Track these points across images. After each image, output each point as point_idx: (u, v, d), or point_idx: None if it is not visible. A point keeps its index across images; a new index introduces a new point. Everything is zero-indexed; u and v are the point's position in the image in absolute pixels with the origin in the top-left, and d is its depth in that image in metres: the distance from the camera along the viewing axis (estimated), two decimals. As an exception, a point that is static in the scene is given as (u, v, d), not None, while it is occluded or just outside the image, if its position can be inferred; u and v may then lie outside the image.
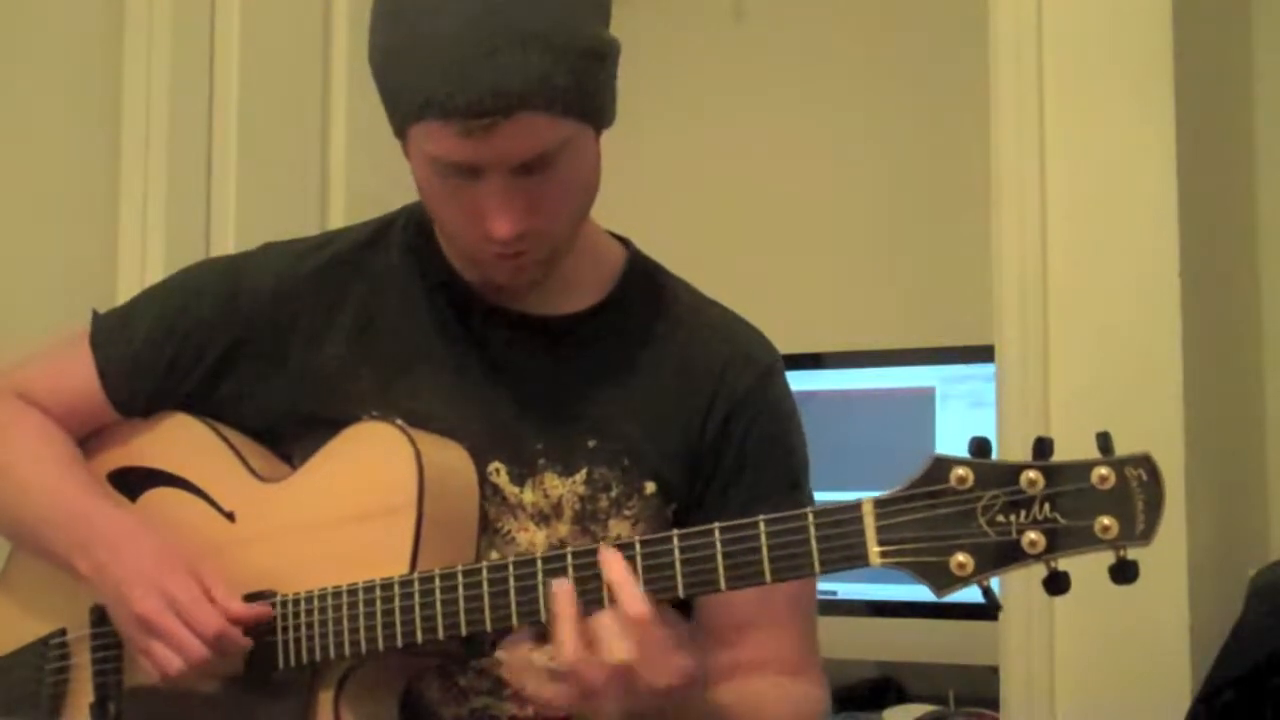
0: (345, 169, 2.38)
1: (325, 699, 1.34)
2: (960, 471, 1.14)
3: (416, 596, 1.30)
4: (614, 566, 1.22)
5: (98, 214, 2.18)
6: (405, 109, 1.29)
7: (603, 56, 1.31)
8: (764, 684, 1.42)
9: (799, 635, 1.46)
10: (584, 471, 1.41)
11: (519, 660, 1.25)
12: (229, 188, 2.24)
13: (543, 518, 1.40)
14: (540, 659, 1.23)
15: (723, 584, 1.21)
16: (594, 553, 1.24)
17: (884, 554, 1.16)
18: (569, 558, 1.25)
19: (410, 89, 1.27)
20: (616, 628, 1.20)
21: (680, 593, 1.23)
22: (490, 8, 1.24)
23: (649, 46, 2.58)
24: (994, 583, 1.17)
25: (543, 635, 1.25)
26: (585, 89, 1.29)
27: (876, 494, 1.17)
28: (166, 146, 2.20)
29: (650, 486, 1.42)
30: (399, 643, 1.30)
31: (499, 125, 1.25)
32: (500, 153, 1.27)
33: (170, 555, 1.38)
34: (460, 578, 1.28)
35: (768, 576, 1.20)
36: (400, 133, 1.33)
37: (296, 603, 1.35)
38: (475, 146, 1.26)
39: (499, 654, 1.28)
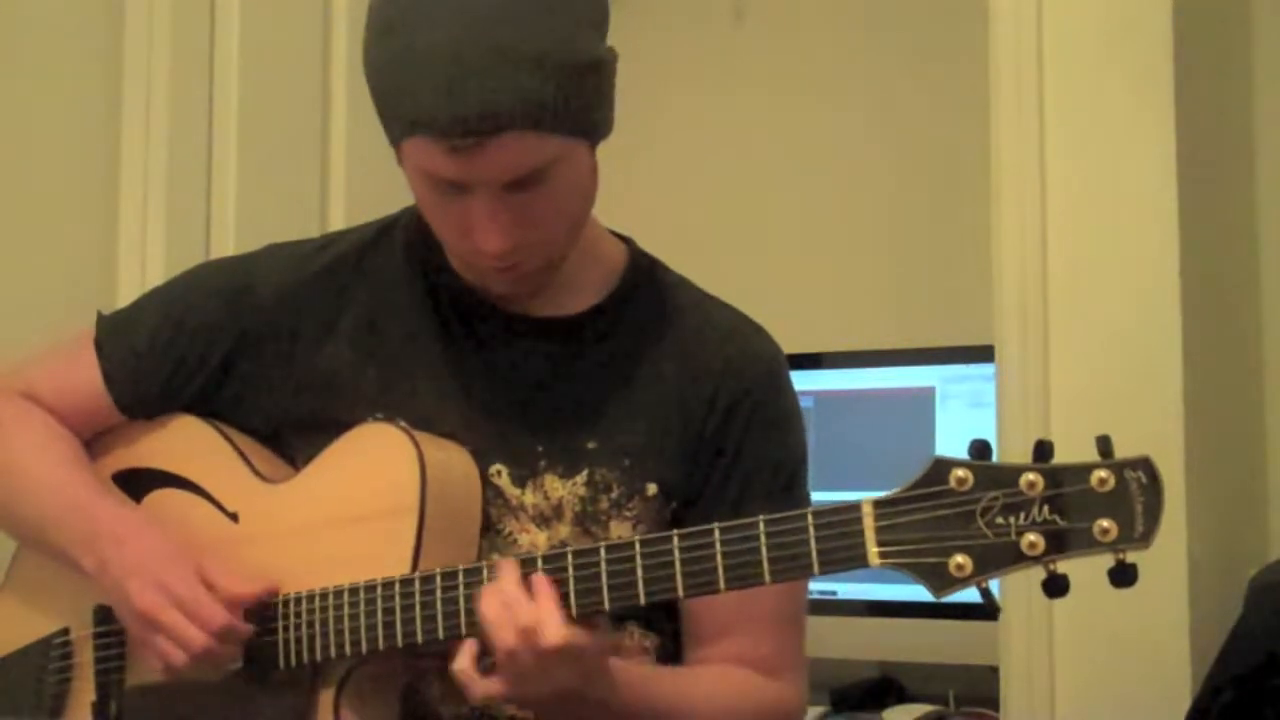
0: (345, 169, 2.37)
1: (326, 699, 1.34)
2: (960, 473, 1.14)
3: (417, 596, 1.30)
4: (505, 569, 1.26)
5: (98, 214, 2.18)
6: (396, 124, 1.30)
7: (596, 70, 1.30)
8: (714, 671, 1.42)
9: (779, 637, 1.45)
10: (585, 473, 1.41)
11: (461, 670, 1.26)
12: (229, 188, 2.24)
13: (544, 519, 1.40)
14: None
15: (722, 584, 1.21)
16: (595, 552, 1.25)
17: (883, 555, 1.16)
18: (569, 557, 1.25)
19: (400, 105, 1.27)
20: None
21: (680, 593, 1.23)
22: (479, 26, 1.23)
23: (649, 47, 2.58)
24: (994, 584, 1.16)
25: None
26: (575, 106, 1.28)
27: (876, 494, 1.17)
28: (166, 146, 2.19)
29: (652, 488, 1.42)
30: (399, 642, 1.31)
31: (485, 144, 1.25)
32: (487, 171, 1.27)
33: (173, 551, 1.39)
34: (461, 578, 1.29)
35: (767, 577, 1.20)
36: (394, 144, 1.33)
37: (298, 602, 1.35)
38: (462, 164, 1.26)
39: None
